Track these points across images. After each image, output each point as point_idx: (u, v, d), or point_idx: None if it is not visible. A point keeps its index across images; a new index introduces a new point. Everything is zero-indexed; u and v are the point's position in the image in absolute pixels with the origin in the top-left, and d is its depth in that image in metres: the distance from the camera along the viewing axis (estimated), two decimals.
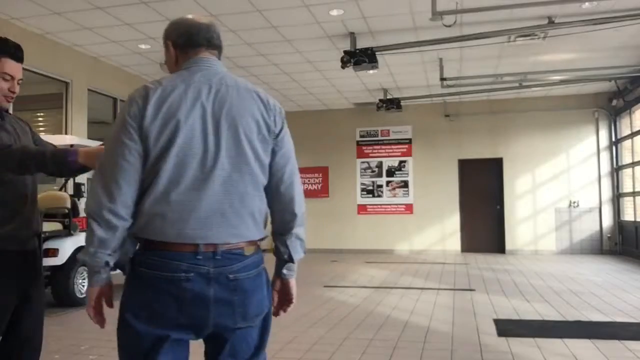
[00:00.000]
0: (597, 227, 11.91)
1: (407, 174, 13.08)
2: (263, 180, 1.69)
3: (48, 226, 5.87)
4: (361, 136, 13.37)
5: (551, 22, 7.25)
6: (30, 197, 2.23)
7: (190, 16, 1.80)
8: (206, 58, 1.74)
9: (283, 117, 1.76)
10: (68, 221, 6.12)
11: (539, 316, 5.43)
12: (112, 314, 1.68)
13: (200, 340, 1.71)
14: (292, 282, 1.86)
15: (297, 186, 1.77)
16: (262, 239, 1.72)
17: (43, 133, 9.18)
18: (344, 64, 7.81)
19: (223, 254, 1.58)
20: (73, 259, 6.00)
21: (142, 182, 1.60)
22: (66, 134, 8.27)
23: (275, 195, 1.73)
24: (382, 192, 13.19)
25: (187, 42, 1.74)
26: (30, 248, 2.23)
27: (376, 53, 7.76)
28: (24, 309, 2.19)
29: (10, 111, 2.55)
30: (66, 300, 6.02)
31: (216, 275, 1.56)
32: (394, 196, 13.10)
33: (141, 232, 1.59)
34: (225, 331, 1.63)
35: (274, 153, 1.72)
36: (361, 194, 13.30)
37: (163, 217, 1.56)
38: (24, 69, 2.28)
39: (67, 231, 6.09)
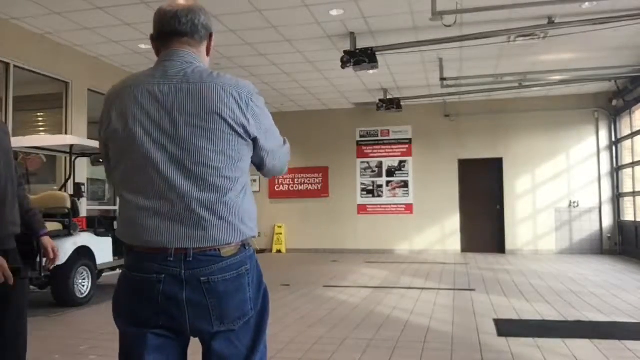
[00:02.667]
0: (597, 227, 11.91)
1: (407, 174, 13.08)
2: (234, 180, 1.59)
3: (48, 226, 5.85)
4: (361, 136, 13.37)
5: (551, 22, 7.25)
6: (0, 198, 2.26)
7: (164, 5, 1.68)
8: (175, 50, 1.65)
9: (258, 106, 1.63)
10: (68, 221, 6.10)
11: (539, 316, 5.42)
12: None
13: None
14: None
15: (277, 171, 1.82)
16: (245, 239, 1.63)
17: (43, 133, 9.19)
18: (344, 64, 7.81)
19: (195, 256, 1.53)
20: (73, 259, 6.00)
21: (115, 187, 1.66)
22: (66, 134, 8.27)
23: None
24: (382, 192, 13.19)
25: (159, 34, 1.67)
26: (9, 247, 2.26)
27: (376, 53, 7.75)
28: (3, 310, 2.21)
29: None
30: (66, 300, 6.01)
31: (189, 277, 1.53)
32: (394, 196, 13.10)
33: (121, 236, 1.63)
34: (206, 335, 1.60)
35: (254, 147, 1.65)
36: (361, 194, 13.30)
37: (133, 223, 1.57)
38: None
39: (67, 231, 6.07)
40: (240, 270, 1.59)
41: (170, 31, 1.64)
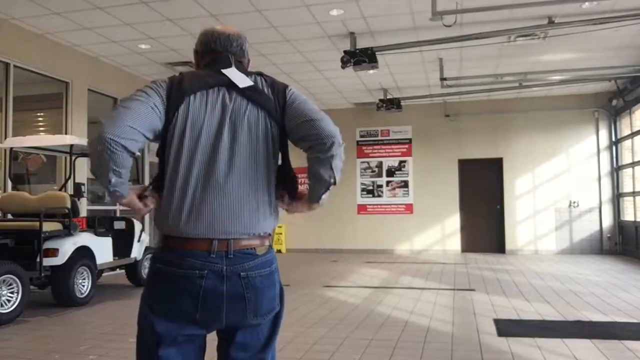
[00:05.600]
0: (597, 227, 11.91)
1: (407, 174, 13.08)
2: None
3: (48, 226, 5.86)
4: (361, 136, 13.37)
5: (551, 22, 7.25)
6: None
7: (216, 27, 1.87)
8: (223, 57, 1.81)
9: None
10: (68, 221, 6.10)
11: (539, 316, 5.42)
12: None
13: (214, 334, 1.77)
14: None
15: None
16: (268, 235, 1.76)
17: (43, 133, 9.19)
18: (344, 64, 7.81)
19: (235, 253, 1.65)
20: (73, 259, 6.00)
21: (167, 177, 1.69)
22: (66, 134, 8.26)
23: None
24: (382, 192, 13.19)
25: (209, 51, 1.83)
26: None
27: (376, 53, 7.75)
28: None
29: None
30: (66, 300, 5.99)
31: (229, 273, 1.63)
32: (394, 196, 13.10)
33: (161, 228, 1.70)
34: (237, 327, 1.70)
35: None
36: (361, 194, 13.30)
37: (179, 212, 1.64)
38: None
39: (67, 231, 6.07)
40: (271, 267, 1.75)
41: (222, 50, 1.81)
